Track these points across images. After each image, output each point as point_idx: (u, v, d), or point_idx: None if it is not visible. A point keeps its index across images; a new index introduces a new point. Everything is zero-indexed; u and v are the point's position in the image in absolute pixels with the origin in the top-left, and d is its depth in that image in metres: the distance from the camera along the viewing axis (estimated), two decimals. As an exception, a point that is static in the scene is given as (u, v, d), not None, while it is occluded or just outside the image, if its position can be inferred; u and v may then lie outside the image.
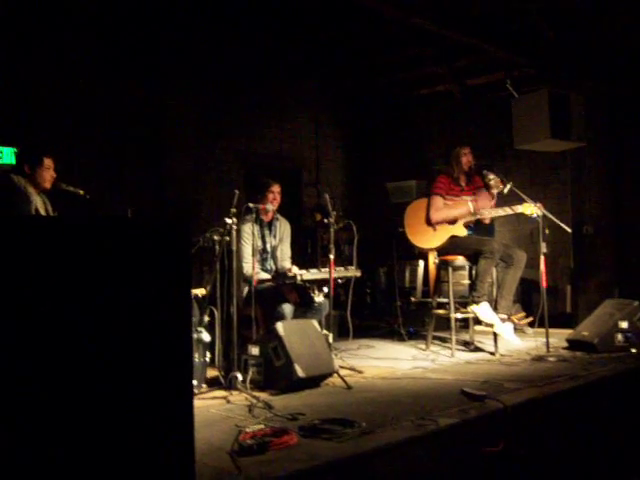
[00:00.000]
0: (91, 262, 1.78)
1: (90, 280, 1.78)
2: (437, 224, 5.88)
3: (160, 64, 7.38)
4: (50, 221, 2.23)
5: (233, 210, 4.43)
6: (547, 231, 5.49)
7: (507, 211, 5.76)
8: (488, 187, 5.83)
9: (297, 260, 5.72)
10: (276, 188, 5.36)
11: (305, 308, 5.08)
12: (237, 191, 4.48)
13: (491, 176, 5.78)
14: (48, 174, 4.73)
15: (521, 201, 5.72)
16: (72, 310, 1.75)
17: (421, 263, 7.79)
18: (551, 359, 5.24)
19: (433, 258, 6.07)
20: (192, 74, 7.65)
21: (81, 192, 4.73)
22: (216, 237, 4.57)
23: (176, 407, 1.94)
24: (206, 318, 4.43)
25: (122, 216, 5.13)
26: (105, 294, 1.79)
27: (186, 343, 2.00)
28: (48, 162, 4.74)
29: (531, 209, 5.53)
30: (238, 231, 4.63)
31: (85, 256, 1.77)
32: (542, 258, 5.42)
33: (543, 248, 5.41)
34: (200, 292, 4.46)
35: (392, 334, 6.82)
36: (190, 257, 2.06)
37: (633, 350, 5.47)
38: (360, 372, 4.84)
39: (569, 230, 5.71)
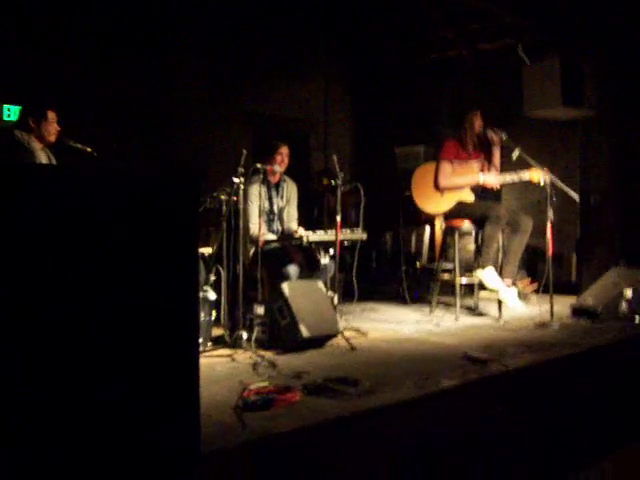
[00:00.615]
0: (95, 215, 1.77)
1: (93, 233, 1.77)
2: (444, 190, 5.88)
3: (169, 27, 7.32)
4: (50, 170, 2.22)
5: (240, 170, 4.43)
6: (551, 197, 5.46)
7: (514, 177, 5.75)
8: (492, 147, 5.82)
9: (304, 223, 5.72)
10: (284, 150, 5.35)
11: (311, 269, 5.10)
12: (245, 151, 4.47)
13: (492, 136, 5.76)
14: (52, 127, 4.72)
15: (529, 167, 5.69)
16: (74, 263, 1.75)
17: (427, 228, 7.78)
18: (554, 326, 5.26)
19: (440, 223, 6.07)
20: (201, 36, 7.59)
21: (88, 149, 4.72)
22: (223, 197, 4.58)
23: (182, 363, 1.96)
24: (212, 277, 4.45)
25: (126, 168, 5.10)
26: (109, 247, 1.78)
27: (192, 300, 2.01)
28: (52, 115, 4.73)
29: (539, 175, 5.51)
30: (245, 191, 4.63)
31: (87, 208, 1.76)
32: (549, 225, 5.41)
33: (550, 215, 5.40)
34: (207, 251, 4.48)
35: (397, 298, 6.85)
36: (198, 213, 2.06)
37: (637, 319, 5.48)
38: (364, 334, 4.87)
39: (577, 198, 5.70)
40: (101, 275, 1.78)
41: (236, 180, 4.41)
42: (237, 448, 2.52)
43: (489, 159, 5.92)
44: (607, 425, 4.28)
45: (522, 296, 5.87)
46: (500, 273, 5.57)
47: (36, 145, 4.65)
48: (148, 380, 1.83)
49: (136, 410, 1.79)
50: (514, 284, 5.56)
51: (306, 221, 6.07)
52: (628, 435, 4.28)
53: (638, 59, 7.55)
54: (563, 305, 5.99)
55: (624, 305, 5.57)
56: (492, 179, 5.80)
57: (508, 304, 5.58)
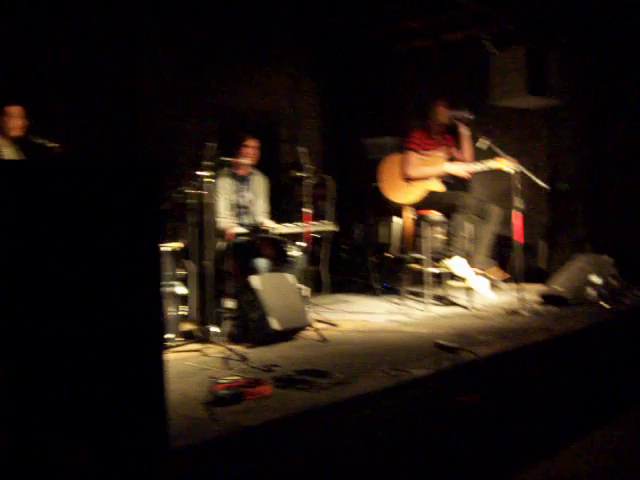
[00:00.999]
0: (53, 205, 1.72)
1: (51, 224, 1.72)
2: (412, 180, 5.89)
3: (134, 17, 7.21)
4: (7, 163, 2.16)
5: (207, 163, 4.38)
6: (519, 186, 5.49)
7: (482, 166, 5.77)
8: (459, 137, 5.85)
9: (274, 216, 5.69)
10: (252, 142, 5.31)
11: (280, 262, 5.07)
12: (210, 144, 4.43)
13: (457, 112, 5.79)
14: (14, 122, 4.65)
15: (496, 157, 5.71)
16: (32, 255, 1.70)
17: (397, 219, 7.77)
18: (524, 313, 5.29)
19: (409, 213, 6.07)
20: (167, 30, 7.49)
21: (51, 144, 4.64)
22: (190, 191, 4.53)
23: (146, 358, 1.92)
24: (181, 272, 4.41)
25: (87, 157, 5.03)
26: (68, 238, 1.73)
27: (156, 294, 1.97)
28: (14, 110, 4.66)
29: (506, 164, 5.54)
30: (212, 184, 4.59)
31: (44, 198, 1.71)
32: (517, 213, 5.44)
33: (517, 203, 5.42)
34: (175, 246, 4.43)
35: (367, 289, 6.84)
36: (160, 206, 2.02)
37: (604, 304, 5.54)
38: (335, 325, 4.87)
39: (545, 186, 5.73)
40: (56, 271, 1.73)
41: (202, 174, 4.36)
42: (207, 443, 2.50)
43: (457, 147, 5.94)
44: (579, 409, 4.32)
45: (492, 284, 5.90)
46: (470, 262, 5.60)
47: (1, 141, 4.58)
48: (111, 377, 1.80)
49: (100, 409, 1.75)
50: (484, 273, 5.59)
51: (276, 214, 6.04)
52: (598, 419, 4.32)
53: (602, 48, 7.63)
54: (533, 292, 6.03)
55: (591, 290, 5.63)
56: (458, 168, 5.82)
57: (478, 292, 5.61)
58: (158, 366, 1.91)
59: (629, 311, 5.46)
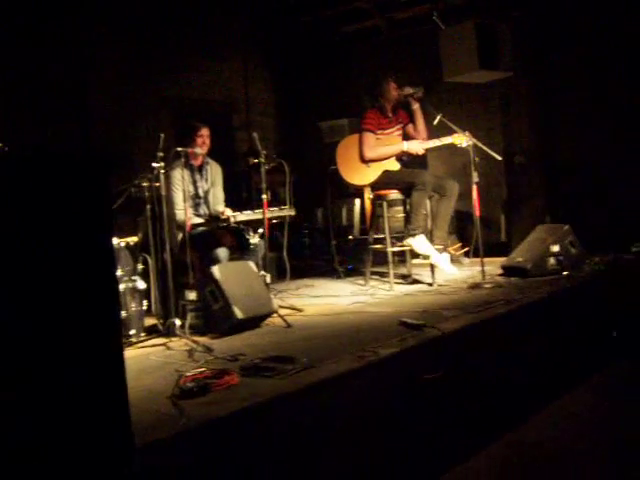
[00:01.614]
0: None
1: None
2: (370, 161, 5.88)
3: (81, 9, 7.06)
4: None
5: (160, 154, 4.32)
6: (477, 159, 5.51)
7: (437, 143, 5.78)
8: (413, 113, 5.85)
9: (232, 205, 5.65)
10: (205, 131, 5.24)
11: (241, 250, 5.03)
12: (162, 134, 4.36)
13: (407, 88, 5.80)
14: None
15: (451, 132, 5.72)
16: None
17: (357, 201, 7.80)
18: (487, 286, 5.33)
19: (368, 194, 6.07)
20: (115, 21, 7.35)
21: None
22: (145, 184, 4.46)
23: (103, 356, 1.87)
24: (140, 266, 4.35)
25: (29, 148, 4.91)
26: (10, 237, 1.67)
27: (110, 290, 1.91)
28: None
29: (461, 139, 5.55)
30: (167, 176, 4.53)
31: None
32: (474, 187, 5.46)
33: (474, 177, 5.44)
34: (132, 240, 4.37)
35: (331, 273, 6.84)
36: (109, 198, 1.97)
37: (565, 272, 5.60)
38: (300, 310, 4.85)
39: (499, 158, 5.75)
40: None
41: (156, 165, 4.30)
42: (174, 437, 2.47)
43: (412, 124, 5.95)
44: (544, 378, 4.37)
45: (454, 260, 5.93)
46: (431, 239, 5.62)
47: None
48: (65, 378, 1.74)
49: (55, 411, 1.71)
50: (445, 249, 5.61)
51: (235, 202, 5.99)
52: (563, 386, 4.39)
53: (551, 20, 7.68)
54: (495, 266, 6.09)
55: (552, 260, 5.69)
56: (415, 146, 5.82)
57: (441, 269, 5.63)
58: (117, 364, 1.87)
59: (589, 278, 5.53)
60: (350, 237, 7.54)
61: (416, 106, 5.87)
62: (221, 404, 2.81)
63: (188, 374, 3.16)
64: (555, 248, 5.72)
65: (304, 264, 7.42)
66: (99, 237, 1.80)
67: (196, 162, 5.28)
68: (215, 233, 4.97)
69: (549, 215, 7.38)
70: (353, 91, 9.16)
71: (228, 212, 5.10)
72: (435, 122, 5.74)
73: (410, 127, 5.95)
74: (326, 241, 7.55)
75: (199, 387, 2.99)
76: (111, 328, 1.84)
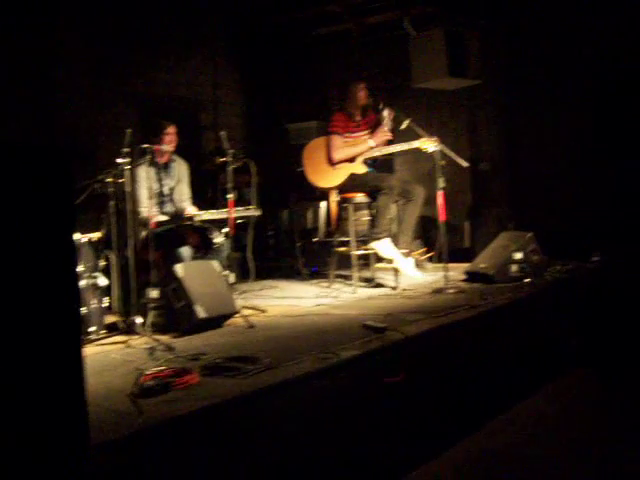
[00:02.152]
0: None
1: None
2: (338, 164, 5.89)
3: (49, 8, 6.96)
4: None
5: (125, 150, 4.27)
6: (443, 162, 5.53)
7: (404, 146, 5.80)
8: (381, 122, 5.86)
9: (199, 204, 5.61)
10: (172, 129, 5.20)
11: (205, 250, 5.00)
12: (129, 130, 4.32)
13: (385, 112, 5.79)
14: None
15: (419, 137, 5.74)
16: None
17: (323, 203, 7.78)
18: (450, 291, 5.36)
19: (334, 197, 6.07)
20: (82, 16, 7.25)
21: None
22: (109, 179, 4.41)
23: (62, 355, 1.83)
24: (102, 263, 4.30)
25: None
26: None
27: (69, 287, 1.87)
28: None
29: (428, 143, 5.57)
30: (132, 173, 4.48)
31: None
32: (439, 193, 5.49)
33: (440, 183, 5.47)
34: (94, 236, 4.31)
35: (295, 274, 6.83)
36: (73, 189, 1.93)
37: (527, 279, 5.66)
38: (263, 311, 4.83)
39: (465, 164, 5.79)
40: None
41: (121, 161, 4.25)
42: (132, 436, 2.44)
43: (380, 128, 5.96)
44: (504, 383, 4.41)
45: (418, 265, 5.96)
46: (395, 243, 5.63)
47: None
48: (22, 375, 1.70)
49: (9, 405, 1.67)
50: (410, 253, 5.64)
51: (201, 201, 5.95)
52: (523, 390, 4.43)
53: (520, 29, 7.77)
54: (459, 271, 6.14)
55: (515, 267, 5.74)
56: (381, 136, 5.80)
57: (405, 273, 5.65)
58: (75, 362, 1.83)
59: (550, 286, 5.59)
60: (315, 239, 7.52)
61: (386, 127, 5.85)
62: (181, 403, 2.79)
63: (148, 372, 3.13)
64: (518, 255, 5.78)
65: (269, 265, 7.39)
66: (60, 232, 1.76)
67: (162, 159, 5.23)
68: (179, 232, 4.93)
69: (513, 222, 7.45)
70: (322, 94, 9.19)
71: (192, 211, 5.06)
72: (403, 126, 5.75)
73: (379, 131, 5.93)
74: (291, 243, 7.53)
75: (159, 386, 2.96)
76: (70, 325, 1.81)
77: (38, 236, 1.71)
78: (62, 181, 1.80)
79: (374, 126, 5.98)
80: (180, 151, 5.41)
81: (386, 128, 5.81)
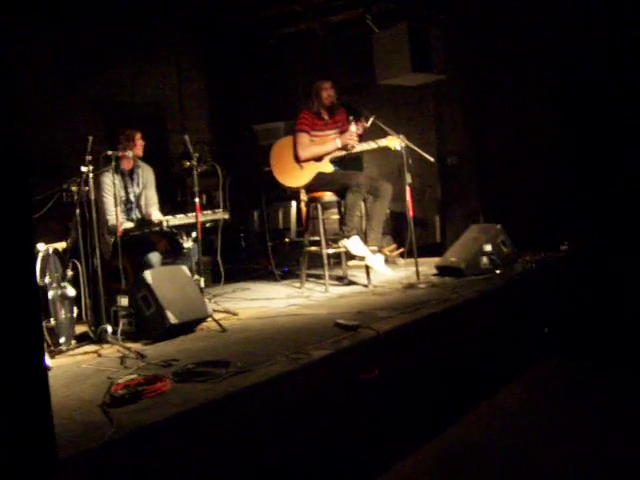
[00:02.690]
0: None
1: None
2: (305, 162, 5.89)
3: (8, 13, 6.86)
4: None
5: (88, 157, 4.24)
6: (410, 161, 5.56)
7: (372, 145, 5.81)
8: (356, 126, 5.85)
9: (168, 208, 5.58)
10: (137, 136, 5.16)
11: (175, 255, 4.98)
12: (91, 137, 4.28)
13: (352, 127, 5.80)
14: None
15: (385, 135, 5.76)
16: None
17: (293, 203, 7.78)
18: (422, 286, 5.39)
19: (303, 197, 6.07)
20: (44, 23, 7.17)
21: None
22: (74, 188, 4.37)
23: (22, 369, 1.80)
24: (69, 272, 4.25)
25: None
26: None
27: (29, 300, 1.84)
28: None
29: (394, 142, 5.59)
30: (97, 181, 4.45)
31: None
32: (407, 189, 5.51)
33: (407, 179, 5.50)
34: (60, 246, 4.27)
35: (267, 276, 6.82)
36: (30, 198, 1.91)
37: (497, 271, 5.70)
38: (235, 314, 4.82)
39: (432, 160, 5.82)
40: None
41: (84, 169, 4.21)
42: (102, 447, 2.41)
43: (345, 125, 5.97)
44: (478, 375, 4.45)
45: (389, 261, 5.98)
46: (365, 240, 5.65)
47: None
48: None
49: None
50: (380, 250, 5.65)
51: (171, 205, 5.93)
52: (496, 382, 4.47)
53: (484, 21, 7.81)
54: (430, 266, 6.16)
55: (485, 259, 5.78)
56: (348, 137, 5.81)
57: (376, 270, 5.67)
58: (38, 376, 1.81)
59: (520, 277, 5.64)
60: (286, 239, 7.52)
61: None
62: (153, 411, 2.78)
63: (119, 381, 3.11)
64: (488, 247, 5.82)
65: (240, 267, 7.38)
66: (17, 242, 1.74)
67: (127, 166, 5.19)
68: (148, 238, 4.89)
69: (482, 215, 7.51)
70: (289, 94, 9.18)
71: (158, 216, 5.04)
72: (368, 124, 5.77)
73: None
74: (263, 244, 7.52)
75: (130, 394, 2.94)
76: (30, 337, 1.78)
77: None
78: (17, 190, 1.77)
79: (343, 125, 5.98)
80: (147, 156, 5.37)
81: (356, 132, 5.80)
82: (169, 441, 2.67)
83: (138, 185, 5.27)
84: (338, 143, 5.85)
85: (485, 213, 7.56)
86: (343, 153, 5.93)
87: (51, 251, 4.14)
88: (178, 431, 2.71)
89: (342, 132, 5.92)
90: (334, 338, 3.80)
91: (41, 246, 4.06)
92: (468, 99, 8.14)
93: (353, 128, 5.78)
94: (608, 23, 6.91)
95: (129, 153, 5.02)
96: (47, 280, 4.02)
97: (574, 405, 4.13)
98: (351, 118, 5.86)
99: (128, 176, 5.22)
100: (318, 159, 5.89)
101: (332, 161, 5.91)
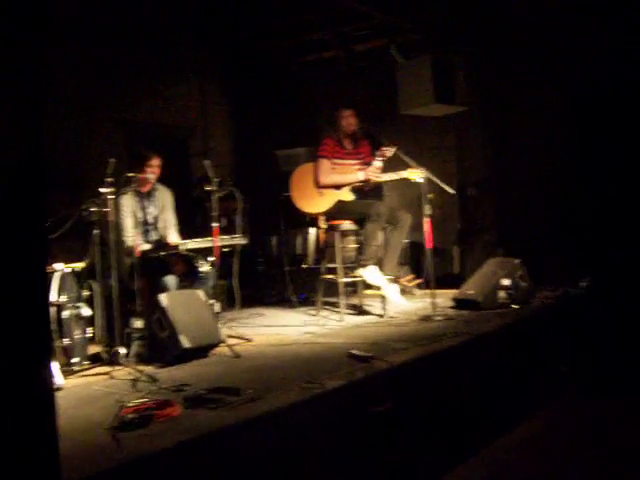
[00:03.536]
0: None
1: None
2: (324, 188, 5.90)
3: (34, 30, 6.97)
4: None
5: (109, 179, 4.26)
6: (431, 195, 5.54)
7: (392, 176, 5.81)
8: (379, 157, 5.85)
9: (187, 231, 5.58)
10: (155, 162, 5.13)
11: (191, 278, 4.97)
12: (112, 160, 4.30)
13: (377, 163, 5.80)
14: None
15: (406, 166, 5.75)
16: None
17: (312, 230, 7.78)
18: (438, 318, 5.34)
19: (322, 224, 6.07)
20: (69, 43, 7.27)
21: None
22: (93, 209, 4.39)
23: (31, 391, 1.80)
24: (85, 293, 4.26)
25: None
26: None
27: (39, 320, 1.83)
28: None
29: (415, 174, 5.57)
30: (116, 202, 4.46)
31: None
32: (426, 220, 5.48)
33: (427, 210, 5.47)
34: (77, 266, 4.28)
35: (283, 302, 6.80)
36: (42, 222, 1.91)
37: (515, 306, 5.65)
38: (249, 340, 4.80)
39: (452, 191, 5.79)
40: None
41: (104, 190, 4.23)
42: (110, 472, 2.40)
43: (369, 157, 5.97)
44: (493, 411, 4.38)
45: (406, 291, 5.95)
46: (381, 268, 5.62)
47: None
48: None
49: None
50: (396, 280, 5.62)
51: (189, 229, 5.93)
52: (510, 419, 4.40)
53: (507, 54, 7.82)
54: (447, 298, 6.11)
55: (502, 293, 5.73)
56: (372, 172, 5.82)
57: (392, 300, 5.63)
58: (46, 399, 1.80)
59: (537, 311, 5.58)
60: (303, 266, 7.50)
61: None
62: (161, 437, 2.75)
63: (129, 405, 3.10)
64: (506, 282, 5.77)
65: (257, 292, 7.37)
66: (29, 264, 1.74)
67: (144, 188, 5.19)
68: (165, 260, 4.89)
69: (502, 248, 7.45)
70: (311, 121, 9.21)
71: (176, 239, 5.05)
72: (389, 154, 5.77)
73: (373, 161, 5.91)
74: (280, 269, 7.51)
75: (140, 419, 2.93)
76: (39, 358, 1.78)
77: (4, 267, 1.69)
78: (29, 214, 1.78)
79: (365, 157, 5.98)
80: (168, 178, 5.39)
81: (380, 168, 5.80)
82: (177, 468, 2.64)
83: (156, 207, 5.28)
84: (360, 176, 5.86)
85: (504, 245, 7.50)
86: (363, 184, 5.94)
87: (68, 270, 4.16)
88: (185, 458, 2.68)
89: (364, 164, 5.93)
90: (348, 369, 3.77)
91: (59, 265, 4.08)
92: (489, 131, 8.13)
93: (378, 164, 5.78)
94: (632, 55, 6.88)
95: (150, 176, 5.04)
96: (63, 299, 4.03)
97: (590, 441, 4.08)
98: (378, 153, 5.83)
99: (146, 198, 5.23)
100: (338, 187, 5.90)
101: (353, 189, 5.91)
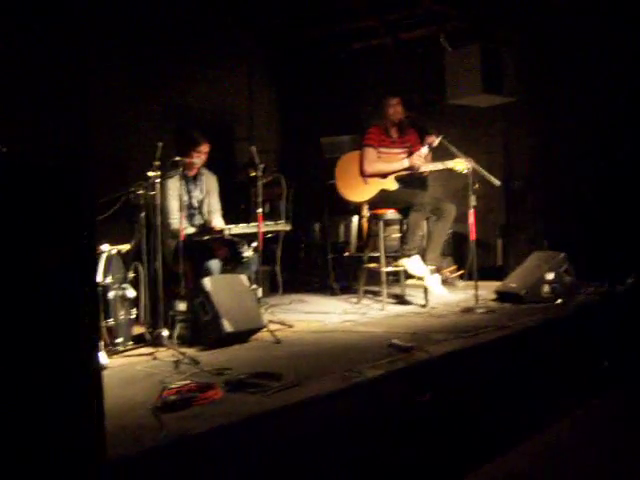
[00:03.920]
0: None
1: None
2: (370, 177, 5.88)
3: (83, 15, 7.06)
4: None
5: (156, 163, 4.31)
6: (477, 186, 5.49)
7: (438, 166, 5.78)
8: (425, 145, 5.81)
9: (231, 217, 5.62)
10: (204, 148, 5.16)
11: (234, 263, 5.01)
12: (160, 143, 4.35)
13: (424, 150, 5.76)
14: None
15: (453, 156, 5.71)
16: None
17: (355, 218, 7.78)
18: (479, 310, 5.30)
19: (366, 212, 6.06)
20: (119, 29, 7.35)
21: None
22: (140, 191, 4.45)
23: (78, 369, 1.84)
24: (131, 274, 4.33)
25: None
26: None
27: (87, 302, 1.87)
28: None
29: (461, 164, 5.53)
30: (162, 185, 4.51)
31: None
32: (471, 211, 5.44)
33: (472, 201, 5.42)
34: (123, 248, 4.35)
35: (325, 289, 6.82)
36: (94, 204, 1.95)
37: (558, 300, 5.58)
38: (290, 326, 4.83)
39: (497, 183, 5.73)
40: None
41: (151, 174, 4.28)
42: (151, 451, 2.44)
43: (416, 146, 5.93)
44: (532, 406, 4.34)
45: (448, 282, 5.91)
46: (425, 260, 5.60)
47: None
48: (38, 387, 1.71)
49: (25, 422, 1.68)
50: (439, 271, 5.60)
51: (235, 213, 5.98)
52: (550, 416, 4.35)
53: (556, 45, 7.69)
54: (489, 290, 6.06)
55: (546, 288, 5.66)
56: (417, 159, 5.78)
57: (433, 291, 5.61)
58: (92, 377, 1.84)
59: (581, 307, 5.50)
60: (346, 254, 7.50)
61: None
62: (202, 419, 2.78)
63: (172, 386, 3.13)
64: (550, 276, 5.70)
65: (299, 278, 7.39)
66: (78, 246, 1.77)
67: (191, 172, 5.24)
68: (209, 244, 4.94)
69: (546, 241, 7.35)
70: (357, 108, 9.18)
71: (220, 224, 5.08)
72: (435, 143, 5.73)
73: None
74: (322, 257, 7.53)
75: (182, 400, 2.96)
76: (87, 339, 1.82)
77: (56, 251, 1.73)
78: (79, 197, 1.81)
79: (412, 146, 5.95)
80: (214, 163, 5.43)
81: (424, 153, 5.77)
82: (215, 451, 2.67)
83: (201, 191, 5.32)
84: (405, 163, 5.83)
85: (549, 239, 7.40)
86: (408, 172, 5.90)
87: (114, 252, 4.22)
88: (224, 441, 2.71)
89: (411, 153, 5.89)
90: (388, 358, 3.76)
91: (105, 247, 4.15)
92: (537, 123, 8.01)
93: (424, 150, 5.75)
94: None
95: (196, 160, 5.08)
96: (109, 280, 4.10)
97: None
98: (425, 141, 5.80)
99: (191, 181, 5.27)
100: (383, 176, 5.88)
101: (397, 179, 5.89)
